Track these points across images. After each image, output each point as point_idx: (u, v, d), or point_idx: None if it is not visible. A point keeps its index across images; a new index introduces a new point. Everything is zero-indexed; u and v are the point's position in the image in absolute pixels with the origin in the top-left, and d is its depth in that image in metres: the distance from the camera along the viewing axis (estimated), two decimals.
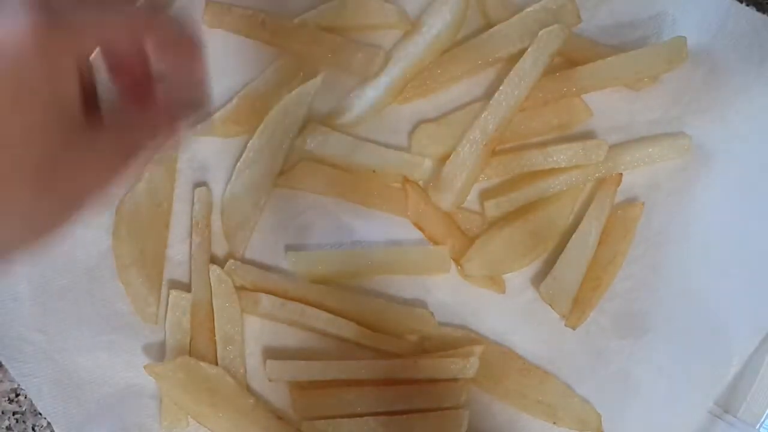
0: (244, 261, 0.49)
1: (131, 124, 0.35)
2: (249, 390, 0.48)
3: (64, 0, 0.32)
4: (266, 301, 0.48)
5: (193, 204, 0.49)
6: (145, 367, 0.47)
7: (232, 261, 0.49)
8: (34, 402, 0.48)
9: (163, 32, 0.36)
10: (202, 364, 0.47)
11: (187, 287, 0.49)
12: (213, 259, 0.49)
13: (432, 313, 0.49)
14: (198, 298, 0.49)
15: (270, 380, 0.48)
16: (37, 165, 0.31)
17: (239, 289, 0.48)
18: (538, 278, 0.49)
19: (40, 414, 0.49)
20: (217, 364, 0.48)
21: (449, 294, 0.50)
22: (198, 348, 0.48)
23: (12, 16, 0.30)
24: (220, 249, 0.50)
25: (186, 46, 0.37)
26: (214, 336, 0.48)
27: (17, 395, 0.50)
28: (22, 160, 0.30)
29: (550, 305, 0.48)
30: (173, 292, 0.48)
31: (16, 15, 0.30)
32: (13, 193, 0.30)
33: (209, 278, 0.49)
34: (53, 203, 0.32)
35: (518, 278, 0.50)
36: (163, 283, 0.49)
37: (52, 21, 0.31)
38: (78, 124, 0.32)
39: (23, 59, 0.30)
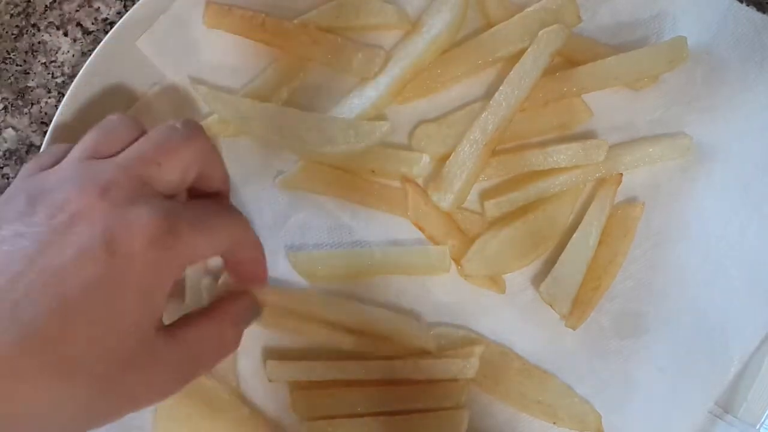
0: None
1: (205, 338, 0.37)
2: (243, 400, 0.48)
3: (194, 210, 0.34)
4: (264, 312, 0.48)
5: None
6: None
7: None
8: None
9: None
10: None
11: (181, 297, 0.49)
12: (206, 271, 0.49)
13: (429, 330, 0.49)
14: (191, 308, 0.48)
15: (270, 380, 0.48)
16: (108, 365, 0.31)
17: None
18: (539, 278, 0.49)
19: None
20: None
21: (449, 294, 0.50)
22: None
23: (141, 214, 0.31)
24: (213, 259, 0.49)
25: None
26: None
27: None
28: (96, 357, 0.30)
29: (551, 305, 0.48)
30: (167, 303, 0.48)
31: (144, 213, 0.31)
32: (78, 388, 0.30)
33: (202, 289, 0.48)
34: (111, 404, 0.33)
35: (518, 278, 0.50)
36: None
37: (174, 229, 0.32)
38: (155, 337, 0.33)
39: (132, 265, 0.30)
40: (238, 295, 0.43)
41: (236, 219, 0.40)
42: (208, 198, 0.41)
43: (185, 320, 0.37)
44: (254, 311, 0.43)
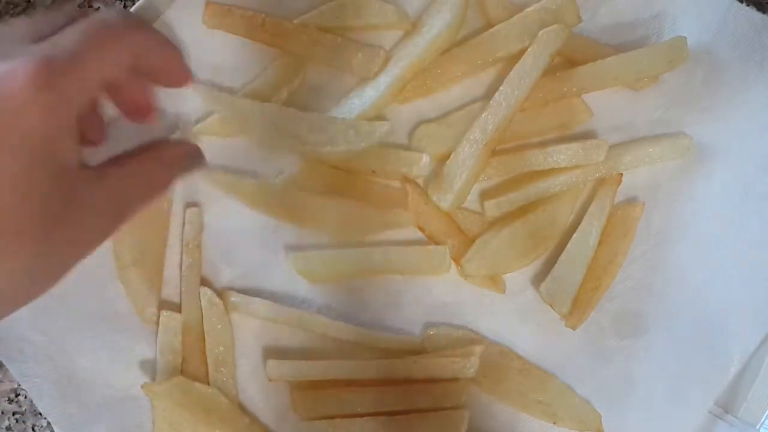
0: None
1: (131, 176, 0.35)
2: (242, 409, 0.48)
3: (65, 39, 0.31)
4: (263, 307, 0.48)
5: (183, 225, 0.49)
6: (142, 386, 0.47)
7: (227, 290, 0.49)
8: (34, 402, 0.47)
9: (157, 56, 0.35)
10: (196, 384, 0.47)
11: (178, 307, 0.49)
12: (203, 281, 0.49)
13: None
14: (189, 319, 0.48)
15: (270, 380, 0.48)
16: (35, 221, 0.30)
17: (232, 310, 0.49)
18: (539, 278, 0.49)
19: (40, 414, 0.49)
20: (209, 384, 0.48)
21: (449, 294, 0.50)
22: (189, 369, 0.48)
23: (11, 62, 0.29)
24: (210, 271, 0.50)
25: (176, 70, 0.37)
26: (206, 357, 0.48)
27: (17, 395, 0.50)
28: (19, 215, 0.29)
29: (551, 305, 0.48)
30: (164, 313, 0.48)
31: (16, 61, 0.29)
32: (11, 248, 0.29)
33: (200, 300, 0.48)
34: (52, 258, 0.31)
35: (518, 278, 0.50)
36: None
37: (52, 67, 0.29)
38: (76, 180, 0.31)
39: (18, 110, 0.29)
40: (176, 141, 0.41)
41: (133, 29, 0.34)
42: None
43: (110, 160, 0.35)
44: (194, 159, 0.39)
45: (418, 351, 0.48)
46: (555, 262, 0.48)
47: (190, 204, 0.49)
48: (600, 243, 0.49)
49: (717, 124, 0.49)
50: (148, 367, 0.48)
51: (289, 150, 0.49)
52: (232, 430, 0.47)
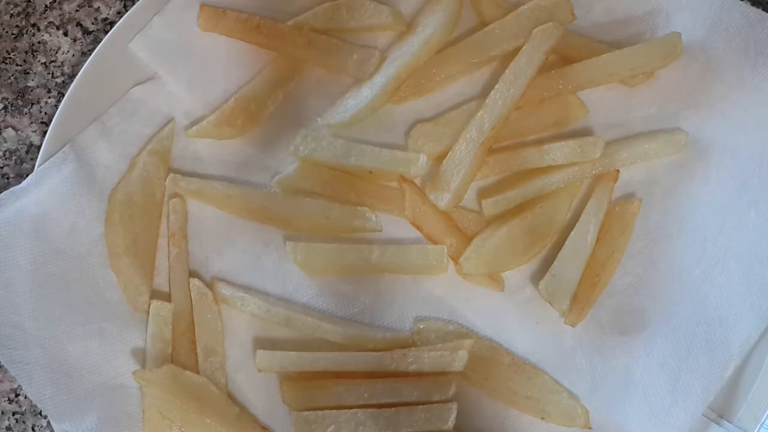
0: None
1: None
2: (233, 399, 0.48)
3: None
4: (253, 304, 0.48)
5: (168, 215, 0.49)
6: (133, 373, 0.47)
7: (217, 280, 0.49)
8: (24, 388, 0.47)
9: None
10: (187, 372, 0.47)
11: (169, 296, 0.49)
12: (193, 270, 0.49)
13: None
14: (178, 308, 0.49)
15: (259, 370, 0.48)
16: None
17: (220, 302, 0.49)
18: (537, 276, 0.49)
19: (41, 414, 0.50)
20: (198, 374, 0.48)
21: (448, 292, 0.50)
22: (179, 358, 0.48)
23: None
24: (201, 259, 0.50)
25: None
26: (195, 346, 0.49)
27: (17, 395, 0.51)
28: None
29: (550, 303, 0.48)
30: (154, 302, 0.48)
31: None
32: None
33: (189, 289, 0.49)
34: None
35: (517, 276, 0.50)
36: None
37: None
38: None
39: None
40: None
41: None
42: None
43: None
44: None
45: (407, 344, 0.48)
46: (553, 260, 0.48)
47: (174, 195, 0.50)
48: (598, 240, 0.49)
49: (713, 120, 0.49)
50: (139, 356, 0.48)
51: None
52: (223, 418, 0.47)
